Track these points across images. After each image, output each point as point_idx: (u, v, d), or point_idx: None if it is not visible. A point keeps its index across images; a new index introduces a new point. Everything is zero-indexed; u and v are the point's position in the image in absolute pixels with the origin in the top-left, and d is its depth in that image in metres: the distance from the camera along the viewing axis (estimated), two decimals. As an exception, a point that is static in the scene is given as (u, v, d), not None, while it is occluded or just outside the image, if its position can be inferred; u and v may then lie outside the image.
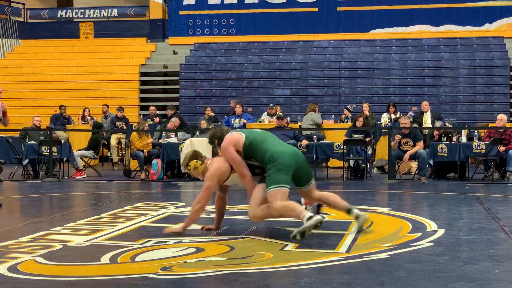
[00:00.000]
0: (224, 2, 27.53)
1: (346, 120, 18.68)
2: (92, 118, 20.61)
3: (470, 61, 24.49)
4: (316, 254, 6.32)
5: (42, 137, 16.34)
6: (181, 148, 15.14)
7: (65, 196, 12.50)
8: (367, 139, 15.38)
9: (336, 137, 16.43)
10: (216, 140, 7.54)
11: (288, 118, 18.46)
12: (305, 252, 6.42)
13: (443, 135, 15.25)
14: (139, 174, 15.69)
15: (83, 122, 20.52)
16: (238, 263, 5.92)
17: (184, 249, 6.49)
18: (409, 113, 18.40)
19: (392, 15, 26.35)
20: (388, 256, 6.20)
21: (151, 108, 20.29)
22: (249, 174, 7.34)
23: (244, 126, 18.33)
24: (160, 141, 15.97)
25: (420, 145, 14.64)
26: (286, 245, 6.71)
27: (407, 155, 14.56)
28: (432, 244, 6.85)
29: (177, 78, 25.62)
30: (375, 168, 16.93)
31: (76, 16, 29.66)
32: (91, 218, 8.81)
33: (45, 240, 7.05)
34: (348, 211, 7.65)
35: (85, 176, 16.19)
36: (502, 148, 14.47)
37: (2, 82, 25.90)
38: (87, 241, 7.01)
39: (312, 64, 25.25)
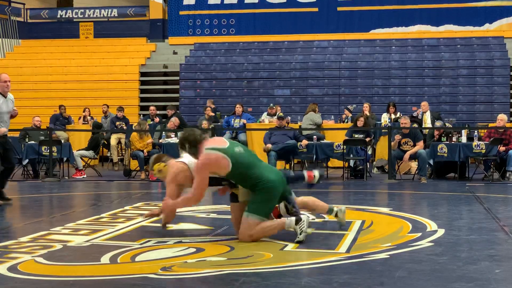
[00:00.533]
0: (224, 2, 27.53)
1: (346, 120, 18.67)
2: (92, 118, 20.61)
3: (470, 61, 24.48)
4: (316, 254, 6.32)
5: (42, 137, 16.35)
6: (181, 148, 15.13)
7: (65, 196, 12.50)
8: (367, 139, 15.38)
9: (336, 137, 16.43)
10: (187, 144, 7.09)
11: (289, 118, 18.45)
12: (305, 252, 6.42)
13: (443, 135, 15.25)
14: (139, 174, 15.70)
15: (83, 122, 20.52)
16: (238, 263, 5.93)
17: (184, 249, 6.49)
18: (418, 110, 18.32)
19: (392, 15, 26.34)
20: (388, 256, 6.21)
21: (151, 108, 20.29)
22: (199, 199, 7.08)
23: (244, 126, 18.34)
24: (160, 141, 15.97)
25: (420, 145, 14.64)
26: (286, 245, 6.71)
27: (407, 155, 14.56)
28: (432, 244, 6.85)
29: (177, 78, 25.61)
30: (375, 168, 16.93)
31: (76, 16, 29.65)
32: (91, 218, 8.82)
33: (45, 240, 7.05)
34: (329, 211, 7.69)
35: (85, 176, 16.19)
36: (502, 148, 14.46)
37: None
38: (87, 241, 7.01)
39: (312, 64, 25.25)
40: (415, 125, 16.54)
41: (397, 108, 18.85)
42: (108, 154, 19.59)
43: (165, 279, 5.39)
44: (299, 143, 15.24)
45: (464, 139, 14.89)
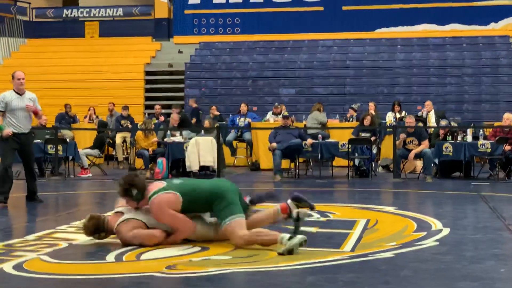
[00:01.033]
0: (229, 1, 27.56)
1: (351, 119, 18.66)
2: (97, 117, 20.63)
3: (475, 60, 24.45)
4: (321, 253, 6.32)
5: (47, 136, 16.37)
6: (186, 147, 15.17)
7: (70, 195, 12.52)
8: (372, 138, 15.37)
9: (341, 136, 16.42)
10: (135, 190, 6.63)
11: (294, 117, 18.44)
12: (310, 251, 6.42)
13: (448, 134, 15.23)
14: (144, 172, 15.71)
15: (89, 121, 20.55)
16: (243, 262, 5.93)
17: (189, 248, 6.50)
18: (422, 109, 18.28)
19: (398, 14, 26.32)
20: (393, 255, 6.20)
21: (156, 107, 20.30)
22: (190, 231, 6.70)
23: (249, 125, 18.34)
24: (165, 140, 15.98)
25: (425, 144, 14.63)
26: (291, 244, 6.70)
27: (412, 154, 14.54)
28: (437, 243, 6.85)
29: (182, 77, 25.62)
30: (380, 167, 16.92)
31: (82, 15, 29.70)
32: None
33: (51, 239, 7.06)
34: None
35: (90, 174, 16.21)
36: (507, 147, 14.43)
37: (8, 81, 25.87)
38: (92, 239, 7.02)
39: (317, 63, 25.24)
40: (420, 124, 16.52)
41: (402, 107, 18.83)
42: (113, 153, 19.61)
43: (170, 278, 5.40)
44: (304, 142, 15.24)
45: (469, 138, 14.86)
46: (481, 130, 15.43)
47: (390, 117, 18.29)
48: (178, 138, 15.88)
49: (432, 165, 14.69)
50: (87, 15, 29.59)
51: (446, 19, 26.03)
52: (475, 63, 24.34)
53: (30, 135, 10.66)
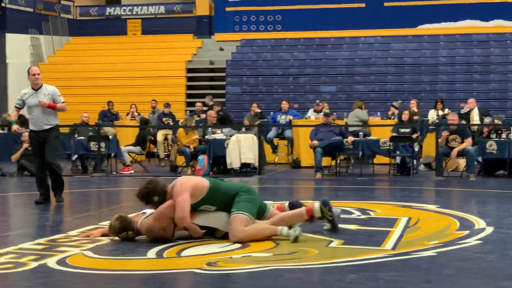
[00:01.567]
0: (270, -2, 27.55)
1: (392, 117, 18.53)
2: (139, 114, 20.79)
3: (520, 57, 24.11)
4: (362, 251, 6.28)
5: (90, 133, 16.54)
6: (227, 144, 15.20)
7: (112, 191, 12.64)
8: (414, 136, 15.24)
9: (382, 133, 16.32)
10: (155, 197, 6.69)
11: (335, 115, 18.38)
12: (351, 249, 6.39)
13: (492, 132, 15.03)
14: (185, 170, 15.78)
15: (131, 118, 20.71)
16: (283, 259, 5.92)
17: (229, 245, 6.51)
18: (465, 106, 18.08)
19: (440, 10, 26.04)
20: (435, 254, 6.14)
21: (198, 104, 20.39)
22: (183, 221, 6.63)
23: (290, 122, 18.33)
24: (206, 137, 16.04)
25: (468, 142, 14.45)
26: (332, 241, 6.69)
27: (454, 152, 14.39)
28: (480, 242, 6.76)
29: (224, 74, 25.69)
30: (422, 165, 16.78)
31: (124, 13, 29.96)
32: (138, 213, 8.88)
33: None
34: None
35: (132, 171, 16.35)
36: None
37: (52, 79, 26.25)
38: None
39: (358, 60, 25.12)
40: (463, 121, 16.34)
41: (445, 105, 18.63)
42: (155, 150, 19.74)
43: (210, 274, 5.42)
44: (345, 140, 15.18)
45: (514, 136, 14.65)
46: (525, 128, 15.19)
47: (432, 115, 18.10)
48: (219, 135, 15.92)
49: (475, 163, 14.52)
50: (130, 13, 29.83)
51: (489, 15, 25.67)
52: (520, 60, 23.99)
53: (51, 131, 10.05)
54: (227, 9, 27.94)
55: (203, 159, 15.11)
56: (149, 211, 6.97)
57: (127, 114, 21.04)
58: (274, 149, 18.69)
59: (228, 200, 6.75)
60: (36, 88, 10.07)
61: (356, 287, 4.97)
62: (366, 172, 15.55)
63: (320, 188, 13.18)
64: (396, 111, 18.56)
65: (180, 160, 16.61)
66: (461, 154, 14.55)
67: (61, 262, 5.82)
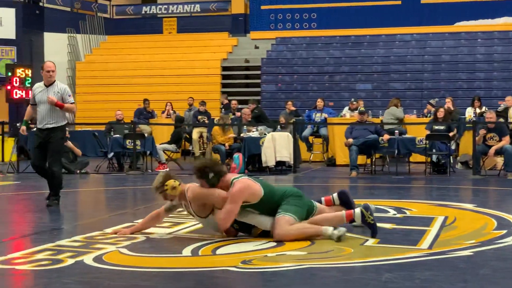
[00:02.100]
0: (306, -4, 27.49)
1: (429, 115, 18.38)
2: (174, 112, 20.89)
3: (559, 54, 23.75)
4: (397, 250, 6.25)
5: (126, 131, 16.66)
6: (262, 142, 15.20)
7: (148, 189, 12.70)
8: (451, 134, 15.10)
9: (418, 131, 16.20)
10: (211, 173, 6.71)
11: (370, 112, 18.29)
12: (386, 248, 6.36)
13: (530, 129, 14.84)
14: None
15: (166, 116, 20.82)
16: (318, 258, 5.91)
17: (264, 243, 6.51)
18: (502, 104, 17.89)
19: (478, 7, 25.75)
20: (472, 253, 6.08)
21: (233, 102, 20.43)
22: (225, 228, 6.72)
23: (325, 120, 18.28)
24: (241, 135, 16.06)
25: (506, 140, 14.28)
26: (367, 240, 6.66)
27: (492, 150, 14.23)
28: (518, 241, 6.69)
29: (259, 72, 25.70)
30: (459, 163, 16.62)
31: (160, 12, 30.13)
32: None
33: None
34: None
35: (167, 169, 16.43)
36: None
37: (89, 77, 26.58)
38: (169, 233, 7.12)
39: (394, 58, 24.96)
40: (501, 119, 16.15)
41: (483, 102, 18.43)
42: (190, 148, 19.84)
43: (245, 272, 5.42)
44: (380, 138, 15.10)
45: (553, 134, 14.45)
46: None
47: (469, 113, 17.92)
48: (254, 134, 15.93)
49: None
50: (165, 11, 29.98)
51: (528, 12, 25.37)
52: (559, 57, 23.65)
53: (55, 131, 9.56)
54: (263, 7, 27.94)
55: (238, 157, 15.13)
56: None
57: (163, 112, 21.15)
58: (309, 147, 18.68)
59: (275, 208, 6.74)
60: (48, 84, 9.66)
61: (392, 286, 4.94)
62: (401, 171, 15.46)
63: (355, 187, 13.13)
64: (432, 109, 18.42)
65: (216, 158, 16.64)
66: (498, 152, 14.40)
67: (97, 259, 5.87)
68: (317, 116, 18.54)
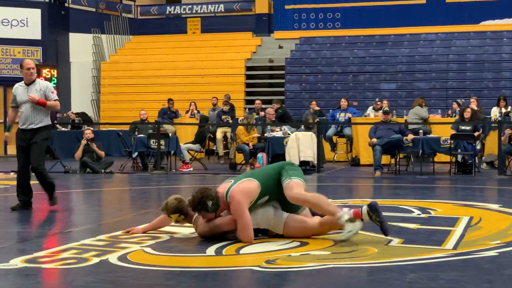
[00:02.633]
0: (329, -4, 27.43)
1: (453, 114, 18.28)
2: (198, 112, 20.95)
3: None
4: (422, 250, 6.22)
5: (150, 131, 16.73)
6: (286, 142, 15.20)
7: (172, 189, 12.76)
8: (476, 134, 15.00)
9: (443, 131, 16.11)
10: (209, 201, 6.52)
11: (394, 112, 18.22)
12: (411, 248, 6.33)
13: (556, 129, 14.71)
14: (245, 167, 15.85)
15: (190, 116, 20.88)
16: (342, 257, 5.90)
17: (288, 243, 6.51)
18: None
19: (504, 6, 25.53)
20: (497, 254, 6.04)
21: (257, 102, 20.44)
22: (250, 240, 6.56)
23: (349, 120, 18.24)
24: (265, 134, 16.07)
25: (532, 140, 14.18)
26: (391, 240, 6.63)
27: (518, 150, 14.13)
28: (544, 242, 6.63)
29: (283, 72, 25.69)
30: (484, 163, 16.51)
31: (184, 12, 30.22)
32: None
33: (153, 231, 7.21)
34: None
35: (191, 169, 16.48)
36: None
37: (113, 77, 26.73)
38: (193, 232, 7.13)
39: (419, 58, 24.83)
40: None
41: (508, 102, 18.28)
42: (214, 148, 19.88)
43: (269, 272, 5.42)
44: (404, 138, 15.04)
45: None
46: None
47: (495, 112, 17.79)
48: (278, 133, 15.94)
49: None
50: (189, 11, 30.07)
51: (554, 10, 25.13)
52: None
53: (39, 132, 9.10)
54: (286, 7, 27.92)
55: (262, 156, 15.15)
56: None
57: (187, 112, 21.22)
58: (333, 147, 18.65)
59: (277, 183, 6.68)
60: (29, 83, 9.15)
61: (416, 287, 4.92)
62: (426, 171, 15.38)
63: (379, 187, 13.09)
64: (458, 108, 18.32)
65: (239, 158, 16.68)
66: (524, 152, 14.29)
67: (122, 258, 5.90)
68: (341, 116, 18.52)
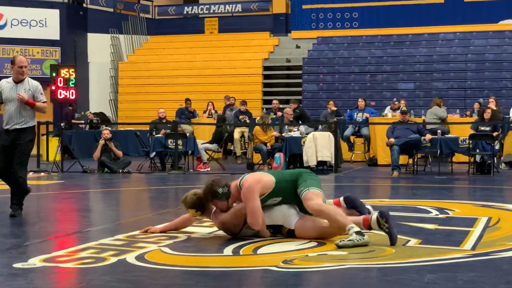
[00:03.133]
0: (347, -5, 27.37)
1: (473, 114, 18.17)
2: (216, 111, 20.97)
3: None
4: (440, 250, 6.19)
5: (168, 130, 16.75)
6: (304, 142, 15.18)
7: (189, 189, 12.72)
8: (495, 134, 14.91)
9: (461, 131, 16.02)
10: (220, 189, 6.62)
11: (412, 111, 18.15)
12: (429, 248, 6.31)
13: None
14: (262, 167, 15.85)
15: (208, 115, 20.91)
16: (359, 258, 5.89)
17: (305, 243, 6.50)
18: None
19: (523, 5, 25.39)
20: (516, 255, 6.01)
21: (274, 101, 20.42)
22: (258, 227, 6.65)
23: (366, 120, 18.19)
24: (283, 134, 16.06)
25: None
26: (409, 240, 6.61)
27: (537, 151, 14.03)
28: None
29: (300, 72, 25.66)
30: (503, 164, 16.41)
31: (202, 12, 30.28)
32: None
33: (171, 231, 7.23)
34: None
35: (209, 169, 16.49)
36: None
37: (131, 77, 26.82)
38: (210, 232, 7.15)
39: (437, 57, 24.72)
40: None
41: (527, 102, 18.20)
42: (232, 148, 19.88)
43: (286, 272, 5.42)
44: (422, 138, 14.97)
45: None
46: None
47: (514, 112, 17.71)
48: (295, 133, 15.92)
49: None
50: (207, 11, 30.12)
51: None
52: None
53: (24, 133, 8.58)
54: (304, 6, 27.89)
55: (279, 156, 15.15)
56: None
57: (204, 111, 21.24)
58: (351, 147, 18.62)
59: (291, 187, 6.72)
60: (18, 81, 8.62)
61: (434, 287, 4.90)
62: (444, 171, 15.31)
63: (397, 187, 13.05)
64: (477, 108, 18.23)
65: (257, 158, 16.67)
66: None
67: (139, 257, 5.92)
68: (359, 116, 18.46)
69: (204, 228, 7.41)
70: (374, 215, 6.47)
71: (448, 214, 8.55)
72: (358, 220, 6.57)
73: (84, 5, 27.69)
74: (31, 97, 8.56)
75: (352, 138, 18.58)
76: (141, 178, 15.02)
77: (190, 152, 16.63)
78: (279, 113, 19.21)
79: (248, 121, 19.52)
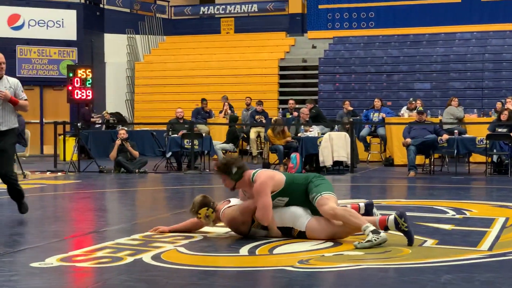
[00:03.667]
0: (364, -5, 27.29)
1: (493, 114, 18.04)
2: (232, 111, 20.98)
3: None
4: (457, 251, 6.17)
5: (184, 130, 16.78)
6: (320, 142, 15.17)
7: (206, 189, 12.80)
8: (512, 134, 14.83)
9: (478, 131, 15.94)
10: (235, 168, 6.72)
11: (428, 111, 18.07)
12: (445, 249, 6.28)
13: None
14: (278, 167, 15.84)
15: (224, 116, 20.93)
16: (375, 258, 5.88)
17: (321, 243, 6.50)
18: None
19: (541, 4, 25.22)
20: (533, 255, 5.97)
21: (290, 102, 20.42)
22: (267, 220, 6.71)
23: (383, 120, 18.15)
24: (299, 134, 16.05)
25: None
26: (425, 241, 6.59)
27: (555, 151, 13.93)
28: None
29: (316, 72, 25.63)
30: (521, 164, 16.30)
31: (218, 12, 30.30)
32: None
33: (181, 232, 7.24)
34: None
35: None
36: None
37: (147, 77, 26.90)
38: (226, 232, 7.16)
39: (454, 57, 24.61)
40: None
41: (545, 102, 18.05)
42: (248, 148, 19.90)
43: (302, 272, 5.42)
44: (439, 138, 14.92)
45: None
46: None
47: (531, 112, 17.54)
48: (311, 133, 15.91)
49: None
50: (223, 11, 30.14)
51: None
52: None
53: (7, 135, 8.17)
54: (320, 6, 27.84)
55: (295, 156, 15.12)
56: (233, 200, 7.05)
57: (220, 111, 21.26)
58: (367, 147, 18.59)
59: (301, 190, 6.74)
60: None
61: (451, 288, 4.89)
62: (461, 171, 15.25)
63: (413, 187, 13.01)
64: (499, 107, 18.10)
65: (273, 158, 16.67)
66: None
67: (156, 257, 5.94)
68: (375, 116, 18.43)
69: (220, 228, 7.41)
70: (392, 216, 6.44)
71: (465, 214, 8.52)
72: (374, 220, 6.54)
73: (101, 5, 27.79)
74: (13, 94, 8.16)
75: (368, 138, 18.55)
76: (157, 178, 15.06)
77: (206, 152, 16.66)
78: (295, 113, 19.20)
79: (264, 121, 19.52)
